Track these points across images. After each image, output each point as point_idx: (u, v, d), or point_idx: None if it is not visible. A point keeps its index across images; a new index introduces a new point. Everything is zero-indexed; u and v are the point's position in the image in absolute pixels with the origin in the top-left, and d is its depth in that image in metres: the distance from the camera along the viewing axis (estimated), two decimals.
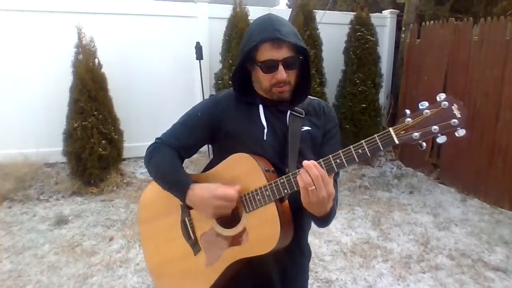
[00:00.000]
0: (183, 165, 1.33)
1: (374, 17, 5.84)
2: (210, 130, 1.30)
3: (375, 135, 1.05)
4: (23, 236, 3.45)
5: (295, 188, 1.11)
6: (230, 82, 1.29)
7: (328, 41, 5.40)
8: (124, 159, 4.84)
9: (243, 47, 1.23)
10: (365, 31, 5.45)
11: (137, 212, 1.45)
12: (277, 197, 1.14)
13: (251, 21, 5.00)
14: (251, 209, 1.18)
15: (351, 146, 1.08)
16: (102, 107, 4.40)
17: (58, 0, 4.77)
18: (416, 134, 1.02)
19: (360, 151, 1.06)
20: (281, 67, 1.18)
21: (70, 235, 3.49)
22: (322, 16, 5.46)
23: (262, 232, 1.17)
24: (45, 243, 3.34)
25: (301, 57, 1.22)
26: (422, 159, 5.35)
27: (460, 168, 4.78)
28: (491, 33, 4.41)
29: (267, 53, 1.17)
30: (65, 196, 4.34)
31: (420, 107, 1.02)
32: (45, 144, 4.70)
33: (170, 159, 1.29)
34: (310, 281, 2.85)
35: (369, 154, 1.06)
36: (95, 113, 4.33)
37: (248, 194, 1.18)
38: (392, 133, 1.04)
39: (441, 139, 1.00)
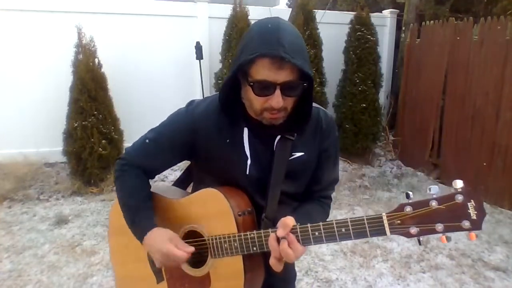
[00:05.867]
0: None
1: (374, 17, 5.84)
2: (183, 154, 1.17)
3: (364, 218, 0.88)
4: (23, 236, 3.45)
5: (265, 249, 1.01)
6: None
7: (328, 41, 5.40)
8: None
9: (238, 55, 1.01)
10: (365, 31, 5.45)
11: (109, 218, 1.36)
12: (245, 252, 1.04)
13: (251, 21, 5.04)
14: (217, 255, 1.08)
15: (334, 221, 0.91)
16: (102, 107, 4.40)
17: (58, 0, 4.77)
18: (414, 229, 0.83)
19: (343, 230, 0.90)
20: (278, 92, 0.96)
21: (70, 235, 3.48)
22: (322, 16, 5.46)
23: (225, 284, 1.10)
24: (45, 242, 3.34)
25: (305, 84, 0.99)
26: (422, 159, 5.35)
27: (460, 167, 4.78)
28: (491, 33, 4.41)
29: (264, 71, 0.95)
30: (65, 196, 4.33)
31: (428, 191, 0.83)
32: (45, 144, 4.70)
33: (134, 190, 1.17)
34: (310, 280, 2.86)
35: (352, 238, 0.90)
36: (95, 113, 4.33)
37: (215, 238, 1.07)
38: (385, 221, 0.86)
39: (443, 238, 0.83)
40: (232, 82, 1.06)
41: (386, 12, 6.58)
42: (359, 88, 5.41)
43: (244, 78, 1.02)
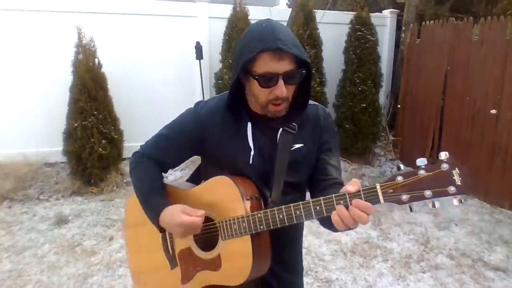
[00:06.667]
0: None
1: (374, 17, 5.84)
2: (192, 149, 1.28)
3: (360, 189, 0.97)
4: (23, 236, 3.45)
5: (271, 227, 1.09)
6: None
7: (328, 41, 5.40)
8: (124, 159, 4.82)
9: (238, 56, 1.11)
10: (365, 31, 5.45)
11: (124, 214, 1.46)
12: (253, 231, 1.11)
13: (251, 21, 5.04)
14: (226, 237, 1.15)
15: (333, 195, 1.00)
16: (102, 107, 4.40)
17: (58, 0, 4.78)
18: (405, 196, 0.92)
19: (342, 202, 0.99)
20: (281, 82, 1.07)
21: (70, 235, 3.49)
22: (322, 16, 5.46)
23: (234, 264, 1.16)
24: (45, 242, 3.34)
25: (303, 71, 1.10)
26: None
27: None
28: (491, 33, 4.41)
29: (266, 64, 1.06)
30: (65, 195, 4.34)
31: (417, 163, 0.93)
32: (45, 144, 4.70)
33: (148, 178, 1.26)
34: (310, 280, 2.86)
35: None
36: (95, 112, 4.33)
37: (225, 221, 1.15)
38: (379, 190, 0.95)
39: (435, 203, 0.91)
40: (236, 84, 1.16)
41: (386, 12, 6.58)
42: (359, 88, 5.41)
43: (247, 76, 1.11)
